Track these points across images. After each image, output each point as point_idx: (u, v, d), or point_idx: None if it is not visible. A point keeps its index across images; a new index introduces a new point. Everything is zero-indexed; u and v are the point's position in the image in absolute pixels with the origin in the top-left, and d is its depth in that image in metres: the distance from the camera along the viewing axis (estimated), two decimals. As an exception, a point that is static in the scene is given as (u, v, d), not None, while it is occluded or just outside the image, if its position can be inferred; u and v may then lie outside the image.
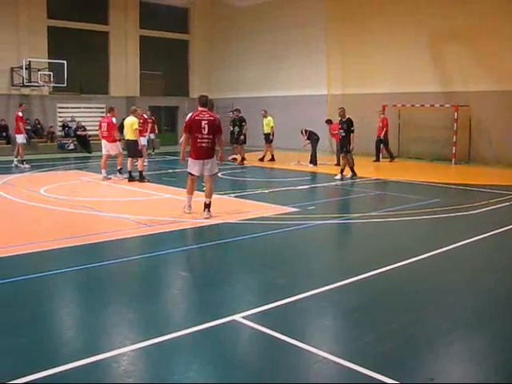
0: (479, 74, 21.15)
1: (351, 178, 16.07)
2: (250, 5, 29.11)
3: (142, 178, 14.94)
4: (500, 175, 17.84)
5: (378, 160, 21.99)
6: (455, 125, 21.14)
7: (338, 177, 15.93)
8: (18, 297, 6.01)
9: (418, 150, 22.53)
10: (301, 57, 27.60)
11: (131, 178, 14.94)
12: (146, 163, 19.47)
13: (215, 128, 10.09)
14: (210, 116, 10.14)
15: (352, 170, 16.26)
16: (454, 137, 21.18)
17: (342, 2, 25.26)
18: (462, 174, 18.57)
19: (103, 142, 15.88)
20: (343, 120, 16.16)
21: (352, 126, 16.01)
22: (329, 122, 20.39)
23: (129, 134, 15.05)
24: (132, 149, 15.07)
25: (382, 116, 22.25)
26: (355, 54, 25.19)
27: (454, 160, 21.14)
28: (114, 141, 15.73)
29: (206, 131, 9.96)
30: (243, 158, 20.59)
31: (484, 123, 21.36)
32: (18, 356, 4.51)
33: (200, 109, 10.19)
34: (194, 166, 10.18)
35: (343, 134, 16.01)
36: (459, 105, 21.18)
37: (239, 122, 20.61)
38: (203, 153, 10.05)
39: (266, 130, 21.68)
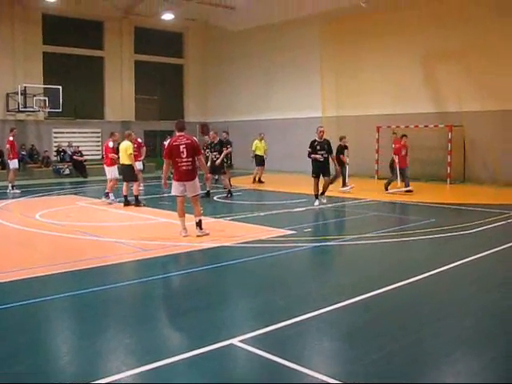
0: (473, 94, 21.33)
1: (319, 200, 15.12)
2: (243, 28, 29.38)
3: (137, 203, 14.92)
4: (495, 194, 17.87)
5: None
6: (449, 145, 21.26)
7: (324, 200, 15.12)
8: (14, 323, 5.95)
9: (412, 171, 22.54)
10: (295, 79, 27.81)
11: (127, 203, 14.91)
12: (141, 187, 19.50)
13: (194, 150, 10.47)
14: (188, 139, 10.50)
15: (317, 192, 15.21)
16: (449, 157, 21.29)
17: (335, 25, 25.51)
18: (457, 193, 18.61)
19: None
20: (319, 141, 15.04)
21: (330, 147, 15.15)
22: (405, 137, 18.49)
23: (123, 159, 15.07)
24: (127, 173, 15.08)
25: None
26: (349, 76, 25.38)
27: (448, 180, 21.21)
28: (111, 164, 15.73)
29: (185, 155, 10.37)
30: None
31: (478, 143, 21.48)
32: (14, 382, 4.45)
33: (178, 134, 10.62)
34: (176, 188, 10.61)
35: (325, 156, 14.94)
36: (453, 125, 21.32)
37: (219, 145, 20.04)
38: (184, 175, 10.44)
39: (262, 152, 21.81)
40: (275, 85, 28.80)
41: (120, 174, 15.54)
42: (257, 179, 21.72)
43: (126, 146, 15.04)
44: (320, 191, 15.11)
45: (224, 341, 5.23)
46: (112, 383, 4.39)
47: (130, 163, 14.95)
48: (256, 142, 22.10)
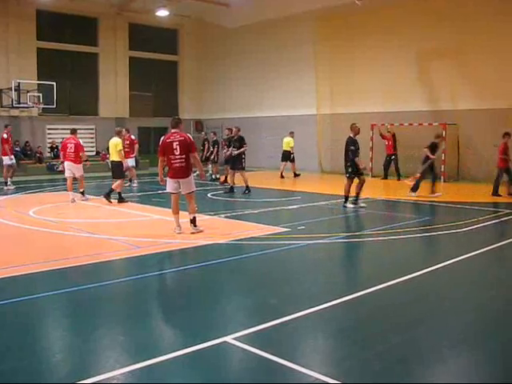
0: (467, 92, 21.40)
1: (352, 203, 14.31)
2: (238, 26, 29.36)
3: (121, 200, 14.76)
4: (489, 192, 17.89)
5: (385, 178, 22.55)
6: (444, 143, 21.28)
7: (350, 206, 14.20)
8: (5, 320, 5.93)
9: (406, 169, 22.60)
10: (290, 77, 27.81)
11: (121, 199, 14.86)
12: (135, 184, 19.49)
13: (187, 147, 10.44)
14: (181, 136, 10.47)
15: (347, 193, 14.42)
16: (443, 155, 21.31)
17: (330, 23, 25.53)
18: (452, 191, 18.64)
19: (68, 163, 15.65)
20: (355, 139, 14.27)
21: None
22: (507, 135, 16.76)
23: (113, 155, 14.96)
24: (116, 170, 14.95)
25: (391, 133, 22.44)
26: (344, 73, 25.42)
27: (443, 178, 21.24)
28: (80, 162, 15.69)
29: (178, 152, 10.36)
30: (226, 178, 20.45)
31: (472, 141, 21.54)
32: (5, 382, 4.43)
33: (172, 131, 10.61)
34: (170, 185, 10.62)
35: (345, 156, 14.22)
36: (447, 123, 21.35)
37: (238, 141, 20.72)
38: (177, 172, 10.44)
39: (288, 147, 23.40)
40: (270, 82, 28.78)
41: (110, 170, 15.44)
42: (283, 174, 23.19)
43: (115, 143, 14.90)
44: (355, 193, 14.25)
45: (217, 338, 5.22)
46: (105, 381, 4.38)
47: (119, 160, 14.86)
48: (290, 139, 23.47)
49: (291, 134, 23.68)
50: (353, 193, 14.28)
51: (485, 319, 6.13)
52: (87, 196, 15.71)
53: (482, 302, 6.75)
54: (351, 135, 14.34)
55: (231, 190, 17.41)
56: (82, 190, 15.65)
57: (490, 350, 5.22)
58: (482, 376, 4.71)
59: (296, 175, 23.34)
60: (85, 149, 16.30)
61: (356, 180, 14.23)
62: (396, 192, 17.62)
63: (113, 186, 14.92)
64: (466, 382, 4.56)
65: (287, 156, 23.46)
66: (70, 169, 15.61)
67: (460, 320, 6.07)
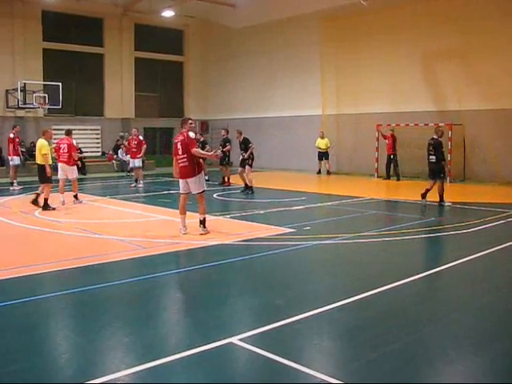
0: (472, 92, 21.32)
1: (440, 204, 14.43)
2: (243, 26, 29.35)
3: (46, 207, 13.72)
4: (494, 193, 17.87)
5: (388, 178, 22.56)
6: (449, 143, 21.23)
7: (448, 203, 14.42)
8: (12, 321, 5.93)
9: (412, 169, 22.57)
10: (296, 77, 27.80)
11: (46, 206, 13.71)
12: (141, 184, 19.53)
13: (186, 145, 10.44)
14: (182, 136, 10.58)
15: (441, 196, 14.53)
16: (449, 155, 21.25)
17: (336, 23, 25.50)
18: (457, 192, 18.59)
19: (61, 165, 15.07)
20: (433, 141, 14.26)
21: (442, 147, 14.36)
22: None
23: (38, 158, 14.04)
24: (42, 174, 14.01)
25: (390, 133, 22.44)
26: (349, 74, 25.38)
27: (448, 178, 21.18)
28: (74, 164, 15.24)
29: (181, 152, 10.50)
30: (228, 179, 20.50)
31: (478, 141, 21.48)
32: (11, 382, 4.44)
33: (181, 131, 10.79)
34: (181, 185, 10.74)
35: (436, 158, 14.24)
36: (453, 123, 21.30)
37: (223, 142, 20.82)
38: (183, 172, 10.57)
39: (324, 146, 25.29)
40: (275, 82, 28.78)
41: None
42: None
43: (39, 145, 13.97)
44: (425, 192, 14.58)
45: (223, 339, 5.21)
46: (111, 382, 4.38)
47: (42, 163, 13.91)
48: (319, 139, 25.32)
49: (320, 134, 25.39)
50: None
51: (492, 319, 6.10)
52: (81, 199, 15.27)
53: (489, 302, 6.71)
54: (437, 137, 14.37)
55: (248, 188, 17.50)
56: (74, 194, 15.18)
57: (496, 350, 5.19)
58: (489, 376, 4.70)
59: (329, 172, 25.33)
60: (88, 150, 16.08)
61: (433, 182, 14.54)
62: (399, 192, 17.56)
63: (44, 196, 13.87)
64: (473, 382, 4.55)
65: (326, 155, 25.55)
66: (63, 170, 15.10)
67: (467, 320, 6.05)
